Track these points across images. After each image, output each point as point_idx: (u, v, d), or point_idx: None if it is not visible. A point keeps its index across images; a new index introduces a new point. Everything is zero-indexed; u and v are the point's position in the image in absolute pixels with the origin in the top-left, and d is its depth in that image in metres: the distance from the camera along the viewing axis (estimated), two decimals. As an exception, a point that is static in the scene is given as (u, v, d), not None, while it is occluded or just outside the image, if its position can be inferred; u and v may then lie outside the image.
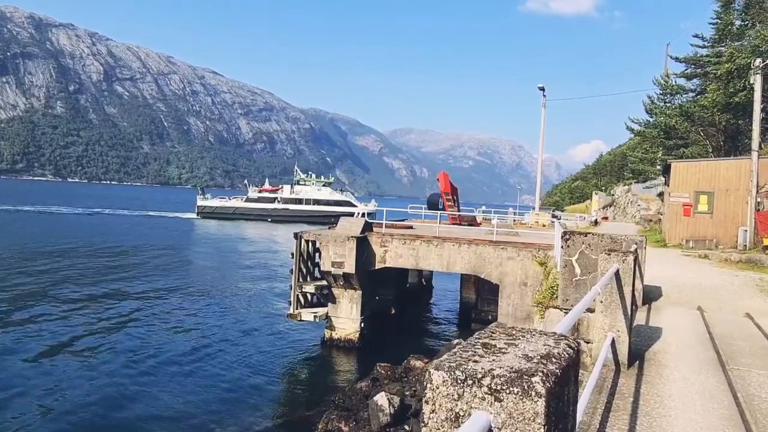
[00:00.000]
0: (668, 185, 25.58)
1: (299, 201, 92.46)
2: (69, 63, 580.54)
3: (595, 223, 40.98)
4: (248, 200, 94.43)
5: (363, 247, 20.07)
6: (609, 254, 5.44)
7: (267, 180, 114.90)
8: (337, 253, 19.62)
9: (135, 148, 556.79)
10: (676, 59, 41.66)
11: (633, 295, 5.62)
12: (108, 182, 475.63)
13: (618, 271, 5.32)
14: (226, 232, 69.32)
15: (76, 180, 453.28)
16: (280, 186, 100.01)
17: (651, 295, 10.53)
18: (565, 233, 10.21)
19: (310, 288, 20.70)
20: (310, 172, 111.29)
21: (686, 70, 41.97)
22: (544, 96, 37.37)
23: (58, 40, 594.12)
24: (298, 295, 20.53)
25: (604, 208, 64.78)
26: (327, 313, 20.48)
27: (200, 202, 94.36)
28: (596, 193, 76.91)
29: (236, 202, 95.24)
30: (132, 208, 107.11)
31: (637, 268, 9.74)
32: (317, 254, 20.88)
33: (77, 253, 40.33)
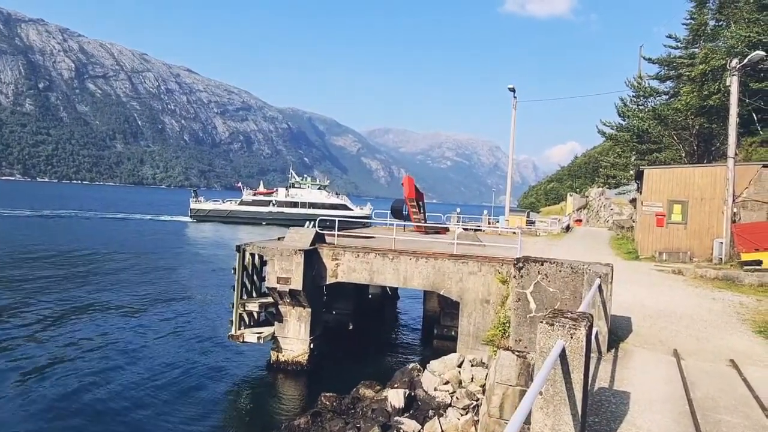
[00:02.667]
0: (641, 192, 24.31)
1: (294, 204, 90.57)
2: (39, 59, 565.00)
3: (567, 228, 39.81)
4: (242, 203, 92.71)
5: (312, 260, 18.33)
6: (551, 325, 3.79)
7: (261, 183, 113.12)
8: (283, 268, 17.82)
9: (107, 147, 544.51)
10: (650, 60, 40.76)
11: (587, 375, 4.00)
12: (79, 182, 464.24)
13: (564, 350, 3.70)
14: (219, 236, 67.26)
15: (46, 179, 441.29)
16: (275, 189, 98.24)
17: (619, 332, 9.00)
18: (518, 261, 8.62)
19: (254, 306, 18.86)
20: (305, 175, 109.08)
21: (660, 72, 41.09)
22: (515, 97, 36.02)
23: (27, 35, 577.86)
24: (241, 313, 18.71)
25: (578, 210, 63.99)
26: (273, 333, 18.68)
27: (194, 205, 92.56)
28: (571, 195, 76.48)
29: (230, 205, 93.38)
30: (123, 211, 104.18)
31: (602, 306, 8.19)
32: (264, 268, 19.09)
33: (44, 259, 37.91)
